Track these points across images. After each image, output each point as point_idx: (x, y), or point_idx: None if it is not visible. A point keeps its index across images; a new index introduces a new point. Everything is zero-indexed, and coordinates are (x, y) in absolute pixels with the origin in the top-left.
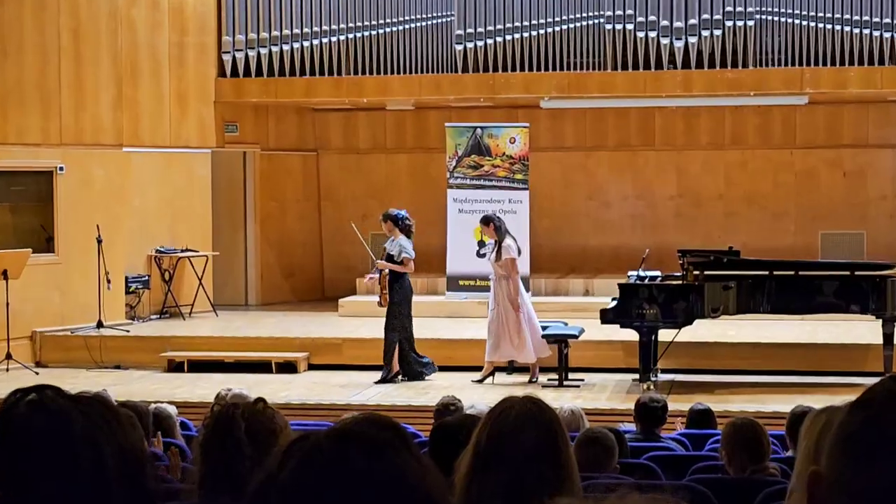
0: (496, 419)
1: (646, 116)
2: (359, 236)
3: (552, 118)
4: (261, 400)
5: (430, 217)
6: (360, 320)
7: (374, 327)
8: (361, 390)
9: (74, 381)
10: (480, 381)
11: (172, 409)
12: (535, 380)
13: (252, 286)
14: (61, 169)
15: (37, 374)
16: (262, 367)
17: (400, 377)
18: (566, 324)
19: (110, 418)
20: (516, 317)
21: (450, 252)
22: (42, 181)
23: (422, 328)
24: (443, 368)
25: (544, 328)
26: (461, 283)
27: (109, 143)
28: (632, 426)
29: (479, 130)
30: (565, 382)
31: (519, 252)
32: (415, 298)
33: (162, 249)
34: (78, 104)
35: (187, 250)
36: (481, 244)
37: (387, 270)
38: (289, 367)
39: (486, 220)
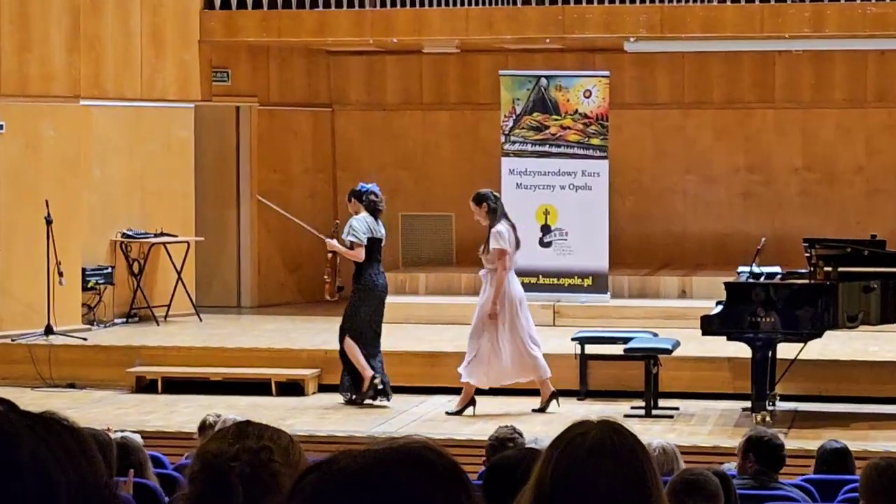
0: (564, 449)
1: (763, 63)
2: (281, 213)
3: (640, 65)
4: (265, 448)
5: None
6: (385, 328)
7: (403, 336)
8: (388, 418)
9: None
10: (542, 410)
11: (139, 440)
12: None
13: (246, 283)
14: (0, 127)
15: None
16: (258, 387)
17: (377, 389)
18: (656, 335)
19: (72, 446)
20: (494, 325)
21: None
22: None
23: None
24: (495, 392)
25: (627, 340)
26: (518, 280)
27: (62, 94)
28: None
29: (543, 81)
30: (654, 412)
31: (518, 245)
32: (458, 300)
33: (130, 233)
34: (21, 43)
35: (163, 234)
36: (546, 229)
37: (339, 255)
38: (294, 388)
39: (479, 199)
